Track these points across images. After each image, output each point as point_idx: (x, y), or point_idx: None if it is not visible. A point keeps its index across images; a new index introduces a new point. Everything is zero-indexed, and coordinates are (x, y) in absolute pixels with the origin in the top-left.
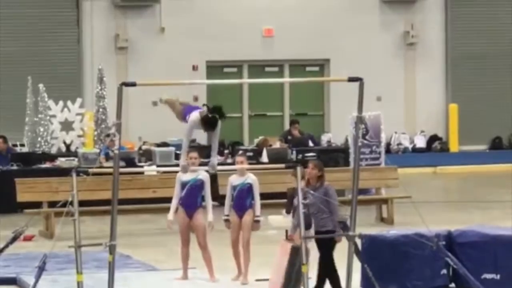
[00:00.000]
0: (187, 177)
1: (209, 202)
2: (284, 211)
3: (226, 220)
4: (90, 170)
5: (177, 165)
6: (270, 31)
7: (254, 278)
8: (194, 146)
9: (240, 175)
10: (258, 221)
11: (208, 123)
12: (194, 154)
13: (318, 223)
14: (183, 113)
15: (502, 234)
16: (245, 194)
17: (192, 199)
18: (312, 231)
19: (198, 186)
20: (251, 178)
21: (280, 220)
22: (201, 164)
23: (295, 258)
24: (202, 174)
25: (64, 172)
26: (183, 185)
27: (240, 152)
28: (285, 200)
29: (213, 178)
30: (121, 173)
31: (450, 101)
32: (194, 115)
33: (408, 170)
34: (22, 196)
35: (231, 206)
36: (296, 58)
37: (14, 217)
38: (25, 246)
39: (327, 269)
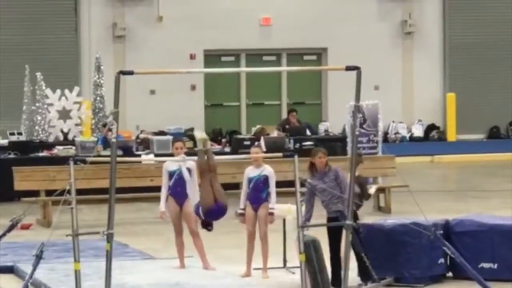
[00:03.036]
0: (173, 166)
1: (196, 190)
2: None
3: (241, 214)
4: (87, 158)
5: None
6: (267, 20)
7: (253, 267)
8: (180, 139)
9: (256, 166)
10: (272, 214)
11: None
12: (180, 144)
13: (331, 208)
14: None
15: (499, 223)
16: (261, 186)
17: (180, 188)
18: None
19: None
20: (267, 170)
21: (281, 208)
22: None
23: (309, 253)
24: (189, 163)
25: (61, 161)
26: (171, 174)
27: (256, 143)
28: (283, 189)
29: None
30: (119, 162)
31: (448, 90)
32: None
33: (405, 159)
34: (19, 184)
35: (246, 198)
36: (293, 47)
37: (12, 205)
38: (23, 235)
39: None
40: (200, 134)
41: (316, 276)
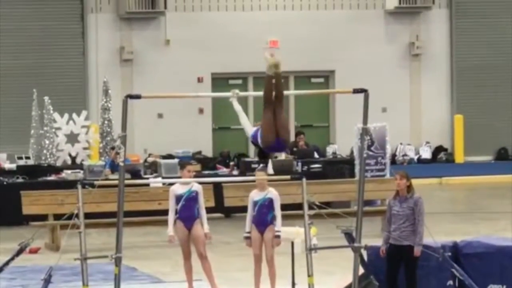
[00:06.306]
0: (181, 190)
1: (203, 213)
2: None
3: (247, 238)
4: (95, 182)
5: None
6: (275, 43)
7: None
8: (190, 163)
9: (261, 190)
10: (278, 236)
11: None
12: (192, 167)
13: (400, 235)
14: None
15: (508, 245)
16: (266, 209)
17: (189, 212)
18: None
19: (193, 198)
20: (271, 193)
21: (289, 231)
22: None
23: (363, 280)
24: (196, 186)
25: (69, 185)
26: (178, 198)
27: (260, 166)
28: (291, 212)
29: (219, 190)
30: (127, 185)
31: (455, 112)
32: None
33: (413, 181)
34: (27, 208)
35: (252, 222)
36: (301, 70)
37: (20, 229)
38: (31, 259)
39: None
40: (271, 59)
41: None
